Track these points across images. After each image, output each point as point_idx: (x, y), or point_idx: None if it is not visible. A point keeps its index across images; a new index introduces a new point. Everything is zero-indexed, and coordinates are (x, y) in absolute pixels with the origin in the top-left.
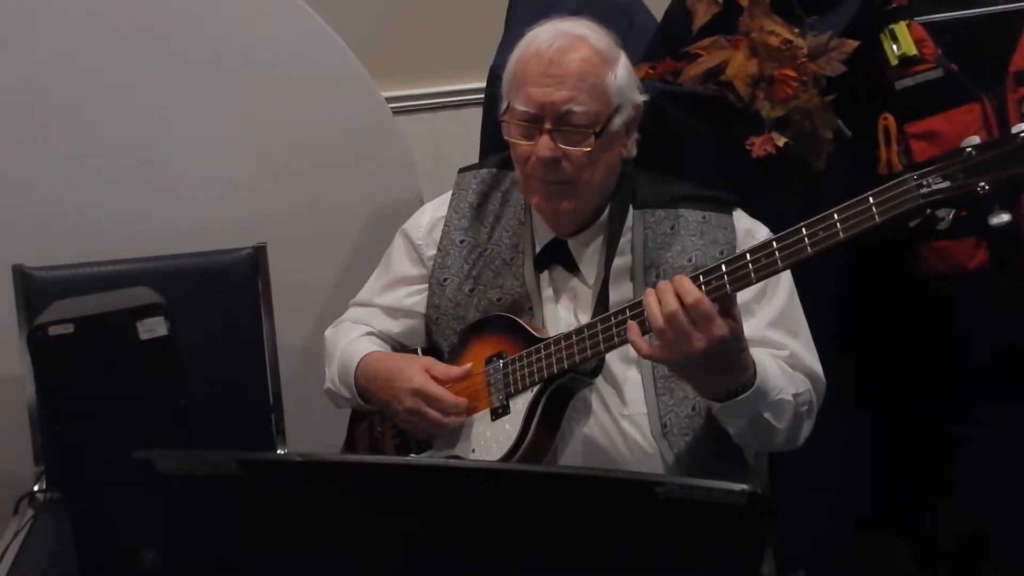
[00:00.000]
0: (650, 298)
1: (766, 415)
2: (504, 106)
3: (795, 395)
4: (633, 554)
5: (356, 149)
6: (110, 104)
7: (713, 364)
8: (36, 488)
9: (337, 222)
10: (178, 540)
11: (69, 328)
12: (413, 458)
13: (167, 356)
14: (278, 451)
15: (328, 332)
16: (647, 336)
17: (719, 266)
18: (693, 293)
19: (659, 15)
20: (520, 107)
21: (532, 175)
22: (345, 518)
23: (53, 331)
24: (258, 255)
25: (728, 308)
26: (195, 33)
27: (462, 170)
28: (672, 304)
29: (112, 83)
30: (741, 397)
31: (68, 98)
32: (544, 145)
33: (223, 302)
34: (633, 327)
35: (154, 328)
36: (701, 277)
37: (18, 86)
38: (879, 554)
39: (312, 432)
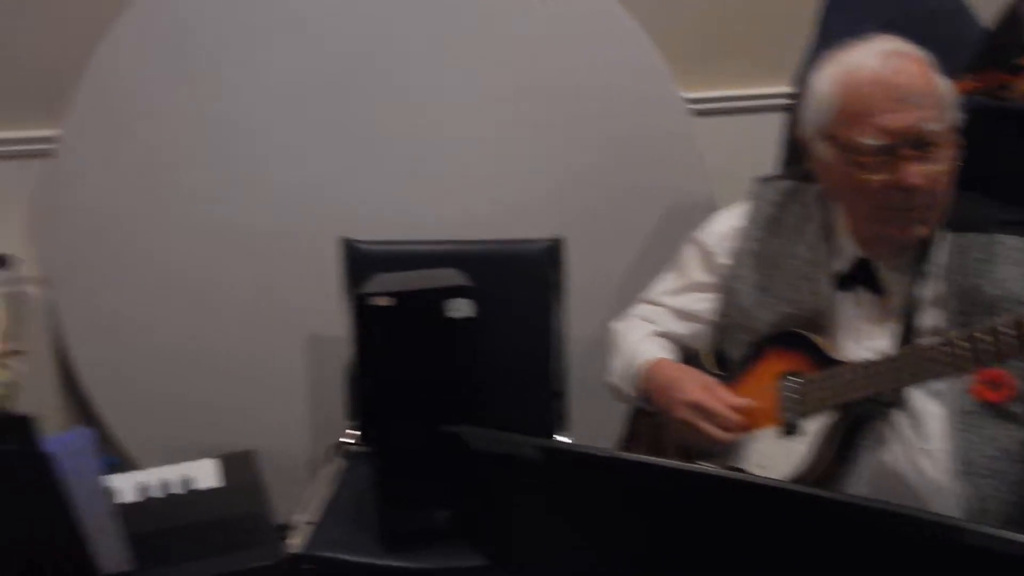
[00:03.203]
0: None
1: None
2: (823, 147)
3: None
4: None
5: (653, 149)
6: (437, 105)
7: None
8: (347, 440)
9: (630, 219)
10: (466, 507)
11: (391, 301)
12: (707, 467)
13: (470, 335)
14: (560, 438)
15: (615, 325)
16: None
17: None
18: None
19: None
20: (870, 141)
21: (896, 206)
22: (623, 518)
23: (376, 301)
24: (556, 247)
25: None
26: (503, 32)
27: (760, 180)
28: None
29: (436, 84)
30: None
31: (404, 101)
32: (916, 173)
33: (520, 289)
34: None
35: (461, 308)
36: None
37: (365, 86)
38: None
39: (591, 422)
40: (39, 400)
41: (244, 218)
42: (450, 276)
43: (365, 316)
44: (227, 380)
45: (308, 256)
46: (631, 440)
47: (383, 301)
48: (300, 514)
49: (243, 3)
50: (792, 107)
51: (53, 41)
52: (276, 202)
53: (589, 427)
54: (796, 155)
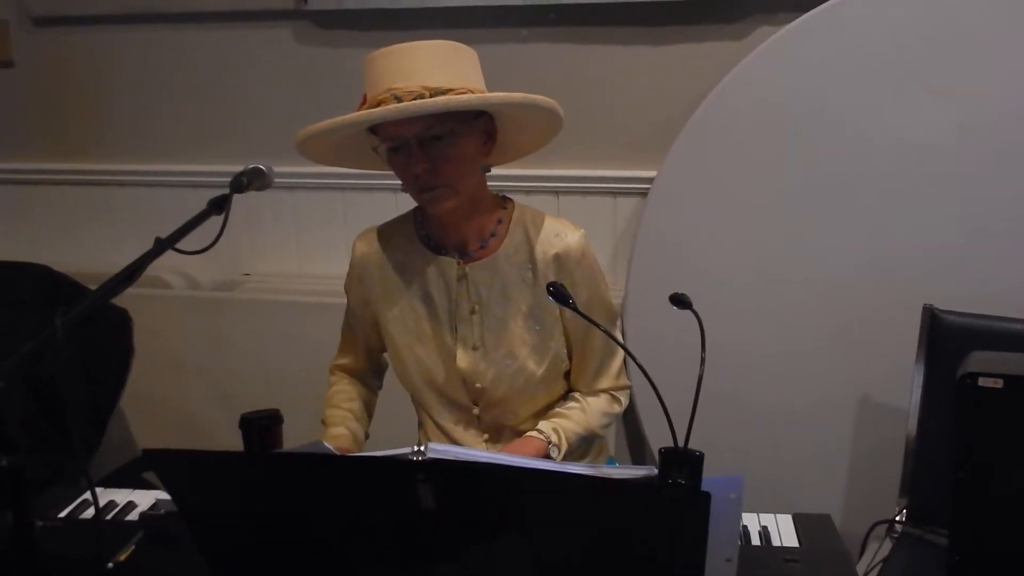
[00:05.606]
0: None
1: None
2: None
3: None
4: None
5: None
6: None
7: None
8: (896, 519)
9: None
10: None
11: (998, 383)
12: None
13: None
14: None
15: None
16: None
17: None
18: None
19: None
20: None
21: None
22: None
23: (982, 382)
24: None
25: None
26: None
27: None
28: None
29: None
30: None
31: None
32: None
33: None
34: None
35: None
36: None
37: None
38: None
39: None
40: None
41: (816, 282)
42: None
43: (968, 396)
44: (768, 432)
45: (870, 320)
46: None
47: (988, 382)
48: None
49: (857, 66)
50: None
51: (666, 93)
52: (846, 268)
53: None
54: None
